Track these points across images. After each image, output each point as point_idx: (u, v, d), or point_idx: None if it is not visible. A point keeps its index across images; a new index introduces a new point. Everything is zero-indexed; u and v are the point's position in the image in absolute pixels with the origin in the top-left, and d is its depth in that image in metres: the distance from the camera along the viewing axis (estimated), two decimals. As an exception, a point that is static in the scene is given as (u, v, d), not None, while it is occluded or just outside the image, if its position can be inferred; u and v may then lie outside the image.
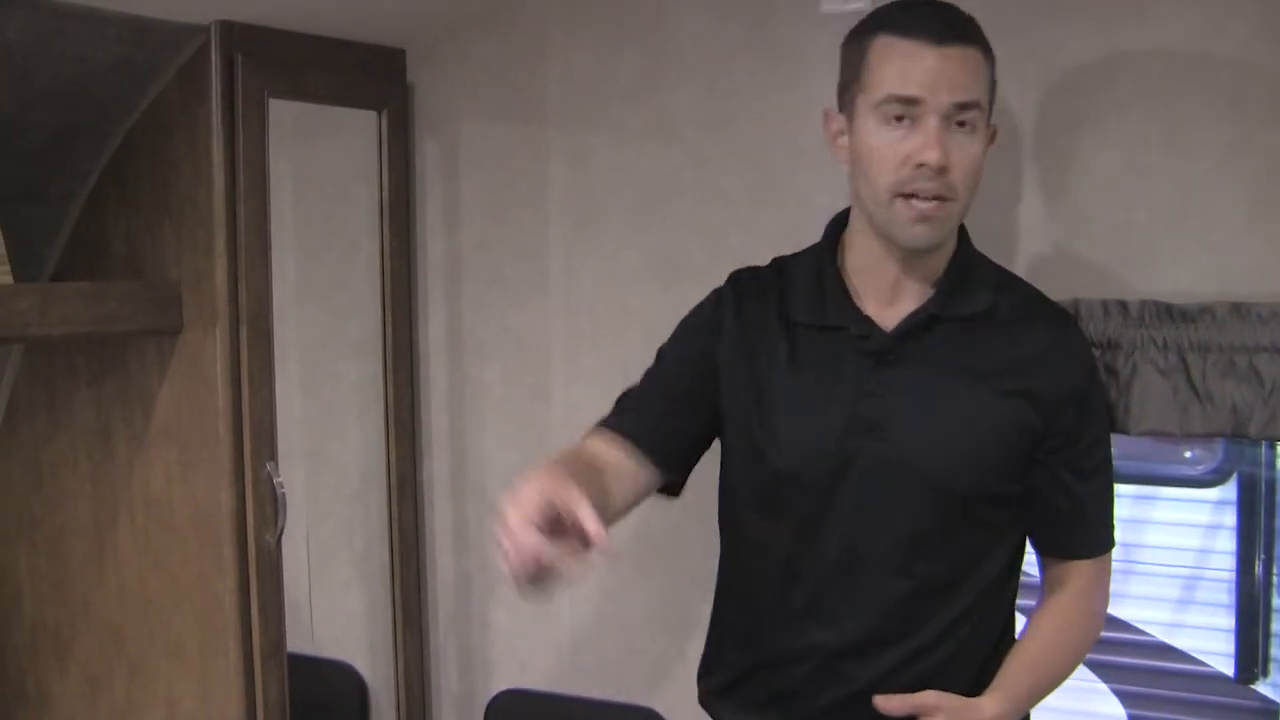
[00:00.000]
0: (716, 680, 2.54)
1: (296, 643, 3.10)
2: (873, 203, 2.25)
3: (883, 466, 2.29)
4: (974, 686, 2.30)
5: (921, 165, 2.17)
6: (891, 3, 2.28)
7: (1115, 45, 2.66)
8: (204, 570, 2.93)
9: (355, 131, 3.30)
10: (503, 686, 3.43)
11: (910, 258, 2.30)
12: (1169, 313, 2.56)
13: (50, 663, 3.20)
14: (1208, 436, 2.72)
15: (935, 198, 2.19)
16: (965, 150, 2.19)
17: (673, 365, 2.57)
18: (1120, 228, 2.68)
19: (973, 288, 2.32)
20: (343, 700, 3.52)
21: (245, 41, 2.86)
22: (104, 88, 2.82)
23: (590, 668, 3.31)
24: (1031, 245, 2.73)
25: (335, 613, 3.56)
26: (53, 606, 3.18)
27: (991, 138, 2.29)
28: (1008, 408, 2.26)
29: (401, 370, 3.38)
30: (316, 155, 3.36)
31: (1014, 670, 2.34)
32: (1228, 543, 3.74)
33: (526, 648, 3.42)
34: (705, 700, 2.56)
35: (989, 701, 2.27)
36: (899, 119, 2.19)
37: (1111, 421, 2.60)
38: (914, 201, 2.20)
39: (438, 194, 3.40)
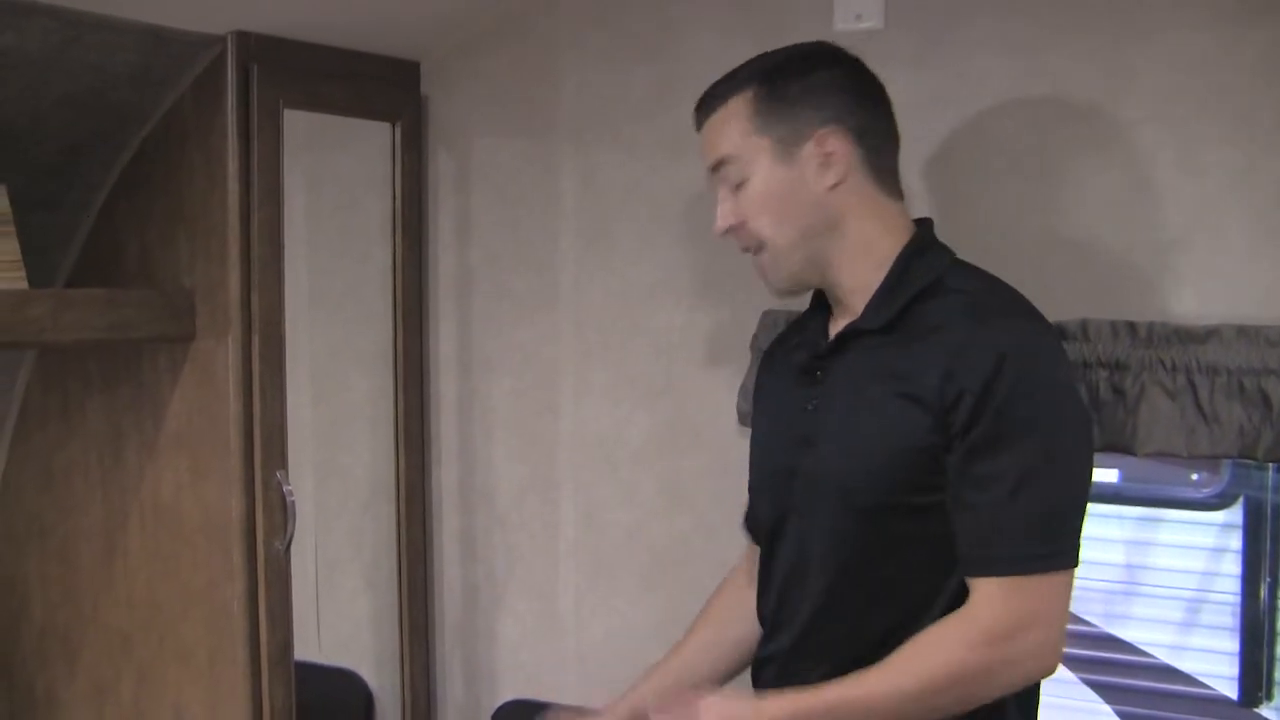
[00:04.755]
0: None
1: (303, 650, 3.11)
2: None
3: (811, 480, 2.33)
4: None
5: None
6: None
7: (1125, 67, 2.67)
8: (213, 577, 2.94)
9: (368, 143, 3.31)
10: (508, 697, 3.44)
11: (824, 287, 2.42)
12: (1177, 334, 2.56)
13: (59, 668, 3.21)
14: (1214, 458, 2.72)
15: (753, 251, 2.36)
16: (745, 200, 2.33)
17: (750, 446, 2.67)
18: (1129, 249, 2.68)
19: (895, 297, 2.30)
20: (348, 708, 3.52)
21: (261, 52, 2.88)
22: (120, 97, 2.84)
23: (596, 679, 3.31)
24: (1040, 266, 2.73)
25: (342, 621, 3.57)
26: (62, 611, 3.20)
27: (829, 138, 2.30)
28: (899, 413, 2.21)
29: (411, 381, 3.39)
30: (330, 166, 3.38)
31: (830, 687, 2.22)
32: (1233, 566, 3.74)
33: (532, 659, 3.43)
34: None
35: (772, 704, 2.24)
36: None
37: (1118, 442, 2.61)
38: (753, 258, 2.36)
39: (449, 207, 3.42)
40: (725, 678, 2.63)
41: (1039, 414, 2.17)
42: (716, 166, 2.34)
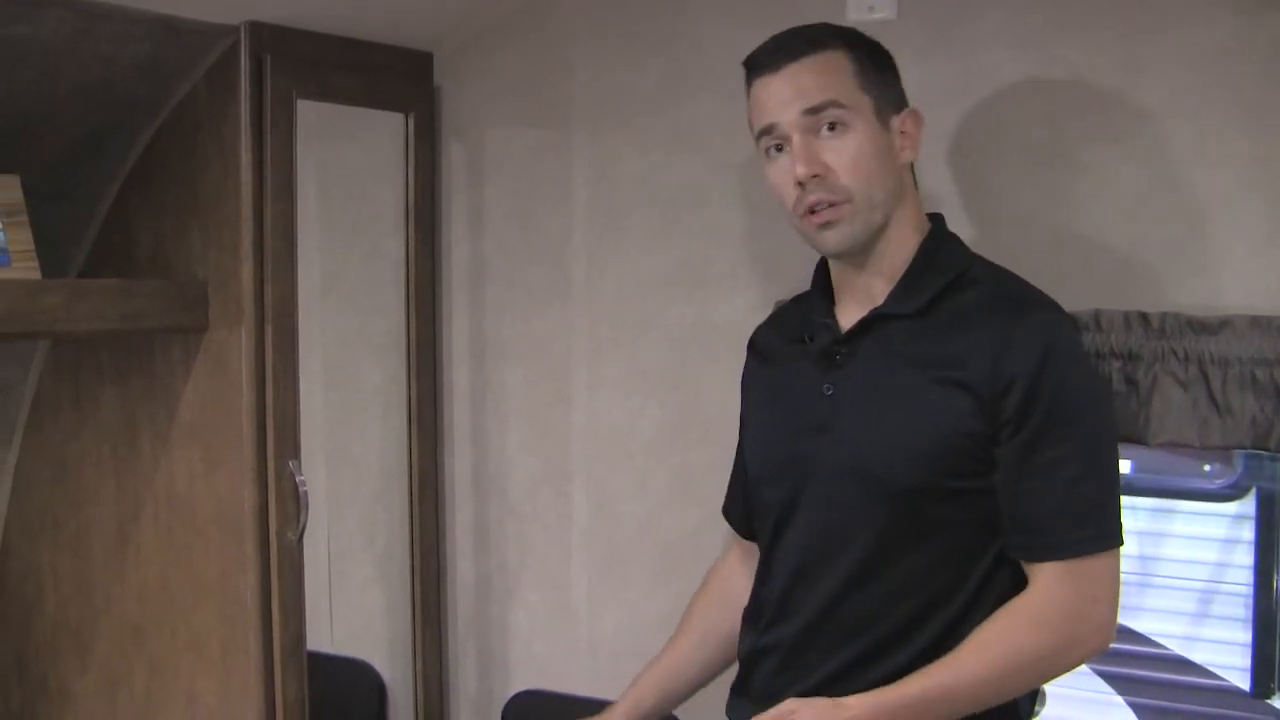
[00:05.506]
0: (733, 681, 2.58)
1: (316, 641, 3.11)
2: (793, 227, 2.37)
3: (832, 466, 2.33)
4: None
5: (801, 183, 2.27)
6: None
7: (1139, 58, 2.67)
8: (226, 567, 2.94)
9: (381, 133, 3.32)
10: (520, 687, 3.44)
11: (855, 262, 2.37)
12: (1190, 325, 2.56)
13: (72, 659, 3.21)
14: (1226, 449, 2.71)
15: (828, 205, 2.29)
16: (841, 151, 2.28)
17: (739, 435, 2.69)
18: (1142, 240, 2.68)
19: (924, 284, 2.32)
20: (361, 699, 3.53)
21: (274, 42, 2.88)
22: (133, 87, 2.84)
23: (608, 670, 3.31)
24: (1053, 256, 2.73)
25: (355, 612, 3.57)
26: (75, 603, 3.20)
27: (912, 121, 2.37)
28: (942, 399, 2.23)
29: (424, 372, 3.39)
30: (343, 156, 3.38)
31: (910, 680, 2.23)
32: (1245, 557, 3.73)
33: (545, 649, 3.43)
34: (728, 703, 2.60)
35: (854, 701, 2.24)
36: (778, 149, 2.34)
37: (1131, 433, 2.61)
38: (811, 216, 2.30)
39: (462, 198, 3.42)
40: (718, 672, 2.68)
41: (1088, 401, 2.25)
42: (818, 109, 2.28)
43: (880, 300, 2.35)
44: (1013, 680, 2.23)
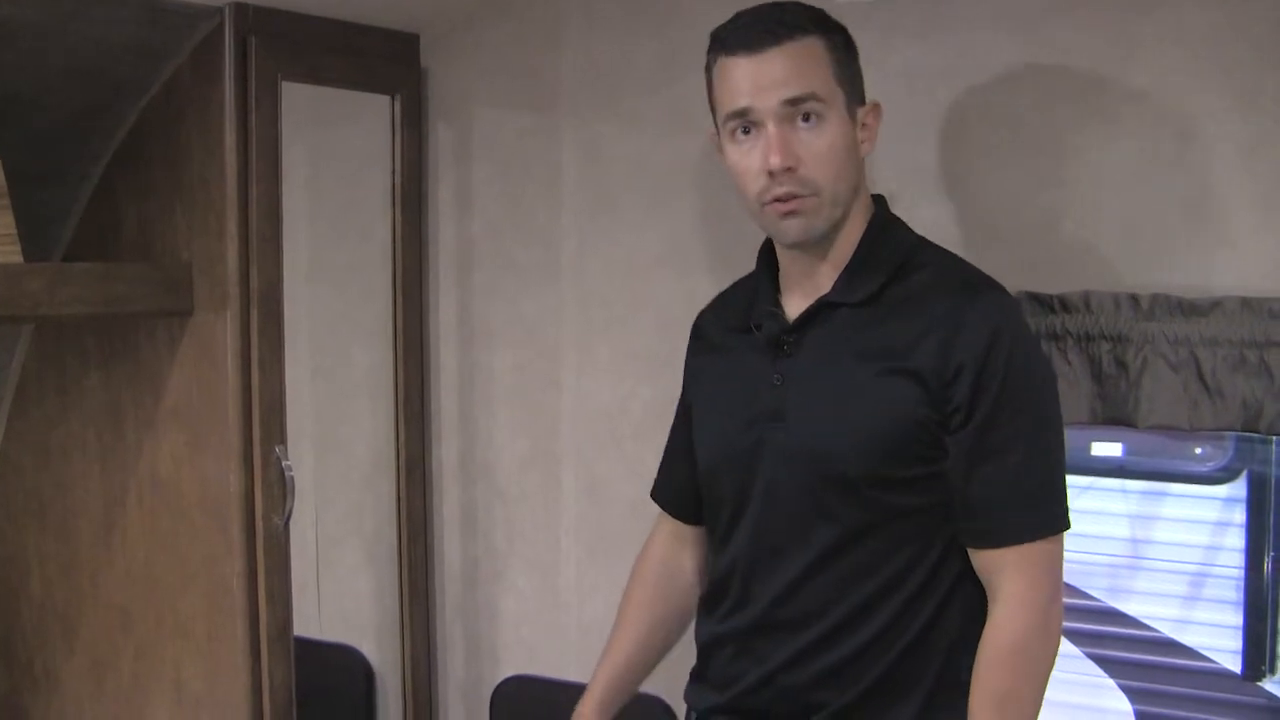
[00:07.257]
0: (692, 668, 2.59)
1: (303, 626, 3.11)
2: (750, 212, 2.35)
3: (783, 454, 2.32)
4: (889, 679, 2.27)
5: (771, 173, 2.23)
6: (726, 22, 2.34)
7: (1132, 39, 2.65)
8: (212, 552, 2.93)
9: (368, 116, 3.30)
10: (509, 673, 3.44)
11: (807, 250, 2.35)
12: (1180, 307, 2.55)
13: (58, 644, 3.21)
14: (1217, 431, 2.71)
15: (794, 196, 2.25)
16: (813, 144, 2.24)
17: (677, 418, 2.72)
18: (1133, 222, 2.67)
19: (871, 272, 2.31)
20: (349, 684, 3.53)
21: (259, 24, 2.87)
22: (118, 69, 2.83)
23: (597, 655, 3.30)
24: (1044, 238, 2.72)
25: (342, 597, 3.57)
26: (61, 588, 3.19)
27: (874, 115, 2.34)
28: (891, 388, 2.22)
29: (412, 355, 3.38)
30: (329, 139, 3.37)
31: None
32: (1236, 540, 3.73)
33: (533, 634, 3.42)
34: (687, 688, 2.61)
35: None
36: (745, 132, 2.28)
37: (1121, 415, 2.60)
38: (777, 205, 2.27)
39: (450, 180, 3.41)
40: (668, 650, 2.74)
41: (1035, 384, 2.23)
42: (798, 100, 2.22)
43: (826, 288, 2.34)
44: (1033, 696, 2.22)
